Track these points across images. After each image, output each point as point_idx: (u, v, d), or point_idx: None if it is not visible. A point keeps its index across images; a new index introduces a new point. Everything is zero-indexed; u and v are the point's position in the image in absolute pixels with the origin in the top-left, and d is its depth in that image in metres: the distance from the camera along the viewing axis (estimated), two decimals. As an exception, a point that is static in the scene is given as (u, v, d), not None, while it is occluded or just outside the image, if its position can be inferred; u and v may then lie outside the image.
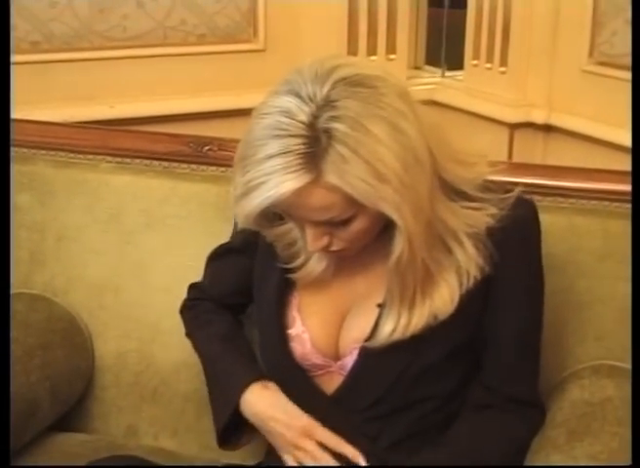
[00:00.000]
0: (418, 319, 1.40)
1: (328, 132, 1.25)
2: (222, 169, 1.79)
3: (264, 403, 1.49)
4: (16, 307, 1.83)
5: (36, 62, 3.00)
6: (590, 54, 3.11)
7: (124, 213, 1.85)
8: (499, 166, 1.48)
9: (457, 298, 1.40)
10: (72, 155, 1.89)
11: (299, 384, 1.51)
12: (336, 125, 1.25)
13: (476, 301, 1.42)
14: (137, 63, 3.16)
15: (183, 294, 1.69)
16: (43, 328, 1.82)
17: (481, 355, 1.48)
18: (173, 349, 1.72)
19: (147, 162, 1.86)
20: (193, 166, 1.84)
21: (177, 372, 1.81)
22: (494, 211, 1.40)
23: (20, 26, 2.95)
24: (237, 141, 1.34)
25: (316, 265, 1.46)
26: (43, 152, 1.90)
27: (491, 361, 1.48)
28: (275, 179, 1.25)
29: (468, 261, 1.39)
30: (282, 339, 1.50)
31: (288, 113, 1.26)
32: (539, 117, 3.29)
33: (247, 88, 3.11)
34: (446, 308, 1.40)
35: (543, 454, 1.44)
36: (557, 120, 3.26)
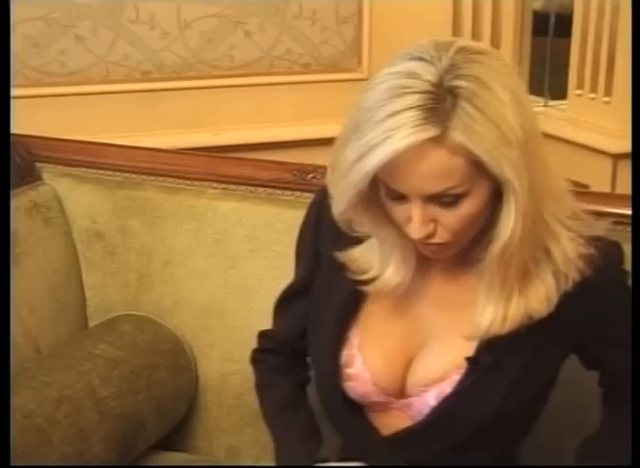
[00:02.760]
0: (514, 315, 1.35)
1: (455, 90, 1.20)
2: (326, 196, 1.81)
3: None
4: (123, 328, 1.89)
5: (146, 91, 3.07)
6: (697, 83, 3.06)
7: (229, 238, 1.89)
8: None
9: (554, 300, 1.35)
10: (180, 181, 1.93)
11: (354, 422, 1.49)
12: (464, 83, 1.20)
13: (573, 311, 1.38)
14: (243, 92, 3.21)
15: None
16: (149, 348, 1.87)
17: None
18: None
19: (252, 189, 1.89)
20: (297, 193, 1.86)
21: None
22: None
23: (132, 56, 3.04)
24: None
25: (391, 278, 1.39)
26: (152, 178, 1.94)
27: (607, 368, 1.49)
28: (400, 133, 1.19)
29: (567, 264, 1.35)
30: (338, 379, 1.46)
31: (413, 74, 1.21)
32: (643, 147, 3.25)
33: (350, 116, 3.12)
34: (541, 308, 1.35)
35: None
36: (662, 150, 3.21)
